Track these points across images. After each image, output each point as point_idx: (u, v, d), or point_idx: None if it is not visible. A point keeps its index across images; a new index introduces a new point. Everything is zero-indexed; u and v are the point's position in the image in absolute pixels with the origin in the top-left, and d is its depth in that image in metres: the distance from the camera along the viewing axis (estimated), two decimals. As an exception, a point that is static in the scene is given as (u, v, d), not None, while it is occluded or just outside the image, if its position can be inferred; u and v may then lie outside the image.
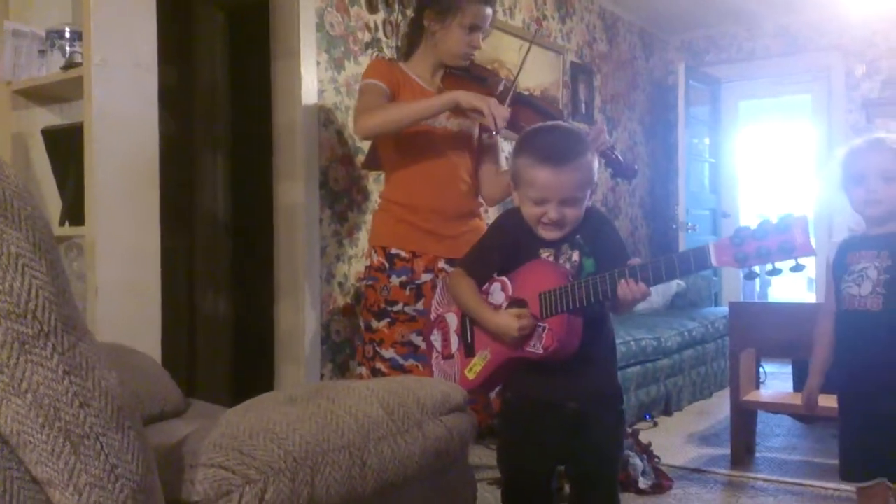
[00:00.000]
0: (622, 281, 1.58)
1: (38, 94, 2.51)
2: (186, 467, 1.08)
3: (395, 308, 2.39)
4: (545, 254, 1.75)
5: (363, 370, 2.46)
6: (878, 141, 1.99)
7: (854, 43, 5.60)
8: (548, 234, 1.72)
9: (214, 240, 3.23)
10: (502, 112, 2.21)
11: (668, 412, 4.15)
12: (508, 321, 1.69)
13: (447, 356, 1.90)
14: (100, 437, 0.93)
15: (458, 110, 2.32)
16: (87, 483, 0.91)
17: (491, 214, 3.83)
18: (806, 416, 3.59)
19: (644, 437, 3.19)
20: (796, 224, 1.47)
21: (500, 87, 2.43)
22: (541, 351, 1.67)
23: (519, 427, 1.83)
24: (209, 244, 3.22)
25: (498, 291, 1.78)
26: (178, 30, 3.03)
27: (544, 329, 1.67)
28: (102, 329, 2.17)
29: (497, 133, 2.31)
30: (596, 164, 1.77)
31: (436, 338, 1.96)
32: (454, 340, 1.89)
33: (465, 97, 2.26)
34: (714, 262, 1.52)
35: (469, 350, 1.84)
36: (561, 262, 1.73)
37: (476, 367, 1.80)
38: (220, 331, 3.23)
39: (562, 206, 1.68)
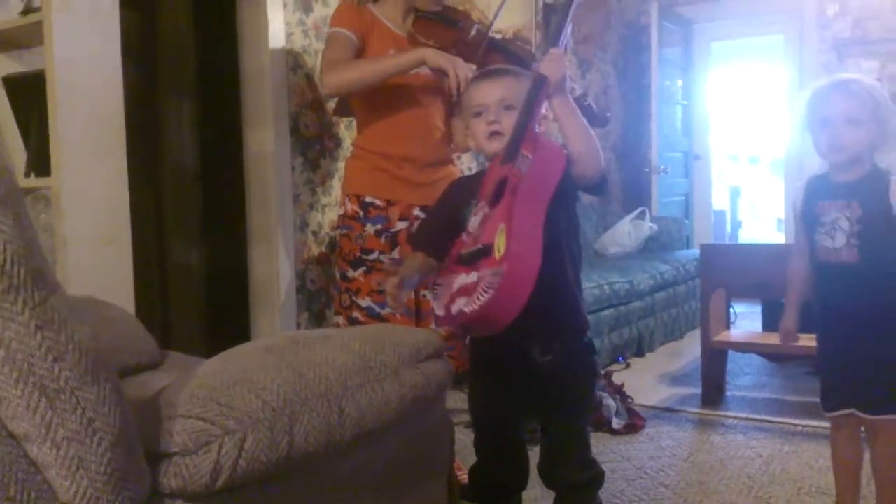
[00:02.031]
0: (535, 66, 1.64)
1: (-3, 41, 2.43)
2: (164, 419, 1.08)
3: (371, 256, 2.39)
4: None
5: (340, 319, 2.46)
6: (842, 83, 1.94)
7: (826, -18, 5.56)
8: (492, 144, 1.72)
9: (184, 188, 3.18)
10: (467, 73, 2.19)
11: (640, 353, 4.22)
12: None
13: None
14: (75, 391, 0.93)
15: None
16: (65, 437, 0.91)
17: (464, 161, 3.81)
18: (775, 354, 3.66)
19: (617, 379, 3.25)
20: None
21: (473, 32, 2.39)
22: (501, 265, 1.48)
23: (485, 374, 1.81)
24: (178, 193, 3.17)
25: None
26: (140, -27, 2.94)
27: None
28: (73, 282, 2.14)
29: (456, 96, 2.23)
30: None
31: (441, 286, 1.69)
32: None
33: (432, 56, 2.24)
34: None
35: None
36: None
37: (500, 244, 1.54)
38: (193, 281, 3.21)
39: (498, 109, 1.72)
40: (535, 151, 1.58)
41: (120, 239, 2.32)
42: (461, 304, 1.49)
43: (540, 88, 1.62)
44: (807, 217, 2.01)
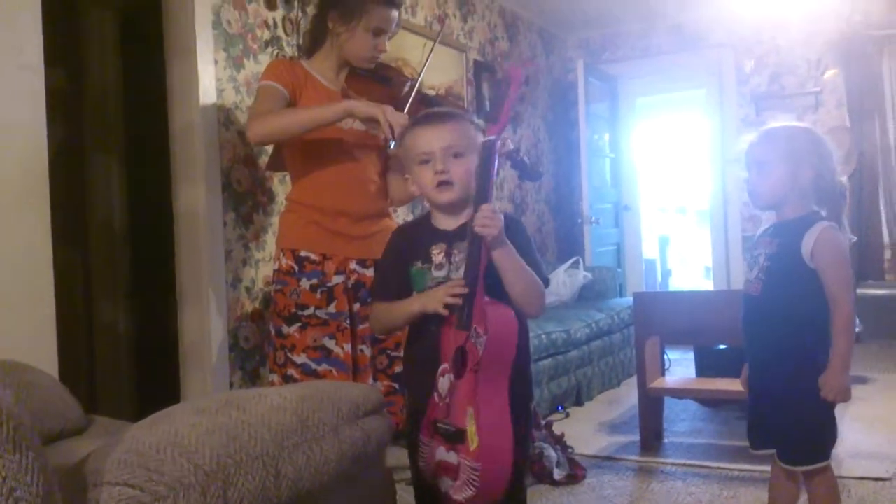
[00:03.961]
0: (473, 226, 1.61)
1: (-87, 98, 2.35)
2: (90, 486, 1.03)
3: (307, 312, 2.35)
4: (436, 250, 1.74)
5: (275, 377, 2.40)
6: (759, 132, 2.00)
7: (743, 40, 5.85)
8: (442, 195, 1.73)
9: (111, 247, 3.10)
10: (398, 119, 2.16)
11: (579, 402, 4.23)
12: (435, 293, 1.67)
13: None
14: (-6, 461, 0.87)
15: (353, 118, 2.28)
16: (-19, 511, 0.86)
17: (400, 213, 3.81)
18: (710, 400, 3.72)
19: (557, 429, 3.24)
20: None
21: (406, 88, 2.42)
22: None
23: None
24: (106, 252, 3.09)
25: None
26: (66, 30, 2.90)
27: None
28: (-7, 346, 2.05)
29: (392, 140, 2.20)
30: (478, 136, 1.75)
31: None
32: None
33: (360, 107, 2.22)
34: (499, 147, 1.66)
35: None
36: (455, 255, 1.72)
37: (472, 433, 1.63)
38: (121, 342, 3.11)
39: (445, 157, 1.71)
40: (489, 328, 1.60)
41: (43, 301, 2.23)
42: (447, 486, 1.64)
43: (479, 247, 1.64)
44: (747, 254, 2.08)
